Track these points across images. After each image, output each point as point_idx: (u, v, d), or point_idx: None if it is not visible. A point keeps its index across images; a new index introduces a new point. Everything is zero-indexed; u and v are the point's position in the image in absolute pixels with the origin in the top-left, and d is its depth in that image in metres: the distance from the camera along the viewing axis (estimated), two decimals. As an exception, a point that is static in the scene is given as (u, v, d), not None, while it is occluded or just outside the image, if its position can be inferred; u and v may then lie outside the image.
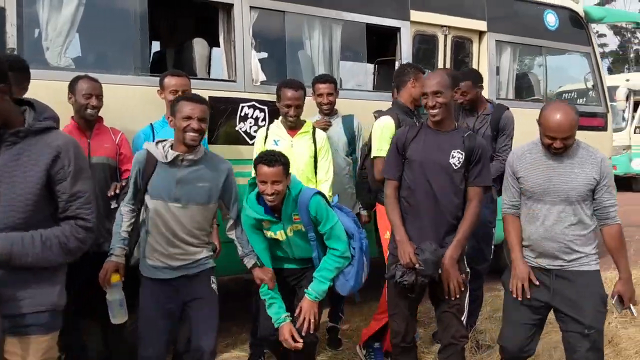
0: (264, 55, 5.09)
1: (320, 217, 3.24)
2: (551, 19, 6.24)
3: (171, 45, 5.73)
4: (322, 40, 4.98)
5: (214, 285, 3.17)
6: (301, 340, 3.18)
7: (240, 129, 4.48)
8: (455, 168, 3.15)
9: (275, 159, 3.08)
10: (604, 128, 6.71)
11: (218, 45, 4.67)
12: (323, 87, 4.24)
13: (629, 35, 41.66)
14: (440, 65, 5.58)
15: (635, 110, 15.66)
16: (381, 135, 3.78)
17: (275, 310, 3.27)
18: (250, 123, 4.51)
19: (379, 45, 5.77)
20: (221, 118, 4.41)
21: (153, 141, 3.14)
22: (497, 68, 5.87)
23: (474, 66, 5.81)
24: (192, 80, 3.88)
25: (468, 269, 3.30)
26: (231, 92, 4.48)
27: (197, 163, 3.01)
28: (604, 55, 35.26)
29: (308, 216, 3.22)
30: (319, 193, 3.33)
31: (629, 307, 2.98)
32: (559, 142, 2.89)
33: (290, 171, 3.19)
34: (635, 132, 15.49)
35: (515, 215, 3.17)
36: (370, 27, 5.17)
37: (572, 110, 2.90)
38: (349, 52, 5.34)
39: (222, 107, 4.42)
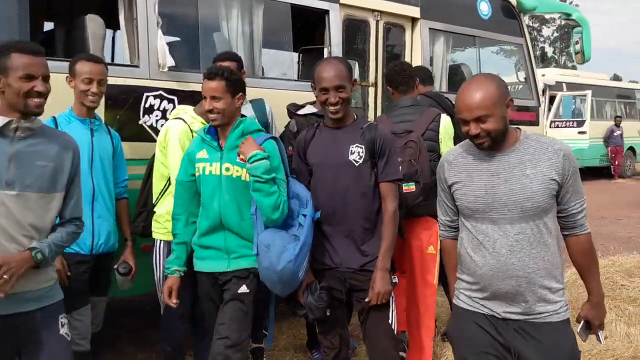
0: (174, 37, 4.41)
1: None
2: (484, 8, 5.91)
3: (63, 23, 4.92)
4: (241, 21, 4.36)
5: (63, 330, 2.33)
6: (176, 301, 2.91)
7: (145, 122, 3.80)
8: (356, 164, 2.80)
9: (216, 72, 2.81)
10: (535, 122, 6.49)
11: (118, 25, 3.96)
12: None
13: (535, 34, 43.39)
14: (372, 54, 5.11)
15: (550, 104, 16.05)
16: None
17: (171, 258, 2.97)
18: (157, 116, 3.83)
19: (306, 31, 5.22)
20: (121, 110, 3.71)
21: None
22: (430, 58, 5.46)
23: (407, 56, 5.38)
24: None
25: (396, 279, 2.97)
26: (133, 80, 3.77)
27: (35, 135, 2.25)
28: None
29: None
30: (277, 140, 2.98)
31: (596, 334, 2.43)
32: (472, 125, 2.13)
33: (246, 98, 3.03)
34: (550, 127, 15.84)
35: (453, 239, 2.44)
36: (296, 10, 4.60)
37: (491, 80, 2.17)
38: (272, 37, 4.75)
39: (123, 97, 3.72)
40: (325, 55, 4.86)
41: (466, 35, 5.82)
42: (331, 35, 4.77)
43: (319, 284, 2.86)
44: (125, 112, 3.72)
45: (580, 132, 16.06)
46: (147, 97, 3.81)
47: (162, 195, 3.25)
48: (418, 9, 5.32)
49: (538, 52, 40.74)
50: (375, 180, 2.83)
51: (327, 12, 4.74)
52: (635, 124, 18.72)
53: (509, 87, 6.71)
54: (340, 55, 4.81)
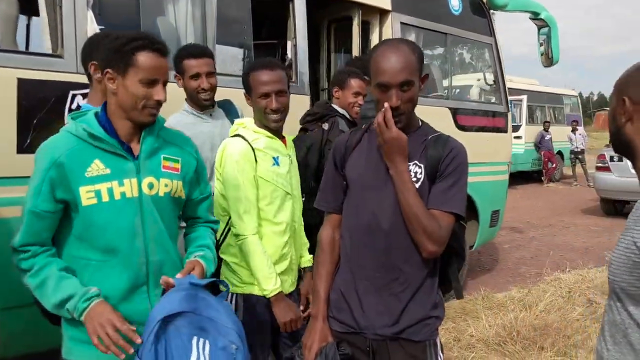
0: (108, 23, 3.56)
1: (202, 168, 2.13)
2: (455, 2, 5.38)
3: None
4: (191, 6, 3.57)
5: None
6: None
7: (71, 129, 2.94)
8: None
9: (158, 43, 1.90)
10: (504, 129, 6.04)
11: (36, 3, 3.09)
12: (198, 64, 2.86)
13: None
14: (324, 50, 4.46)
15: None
16: None
17: (72, 284, 1.81)
18: (87, 120, 2.98)
19: (267, 22, 4.49)
20: (40, 112, 2.86)
21: None
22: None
23: (354, 54, 4.76)
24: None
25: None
26: (56, 74, 2.93)
27: None
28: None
29: None
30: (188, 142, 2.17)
31: None
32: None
33: None
34: (487, 131, 15.78)
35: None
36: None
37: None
38: (228, 26, 3.97)
39: (42, 95, 2.87)
40: (289, 50, 4.15)
41: (438, 32, 5.25)
42: (296, 29, 4.06)
43: (338, 348, 2.01)
44: (45, 115, 2.86)
45: (516, 137, 16.09)
46: (74, 95, 2.96)
47: (224, 238, 2.47)
48: (389, 0, 4.70)
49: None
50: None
51: (291, 1, 4.03)
52: (563, 128, 19.09)
53: (481, 92, 6.34)
54: (306, 50, 4.12)
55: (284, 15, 4.14)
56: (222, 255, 2.50)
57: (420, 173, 1.93)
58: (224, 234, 2.49)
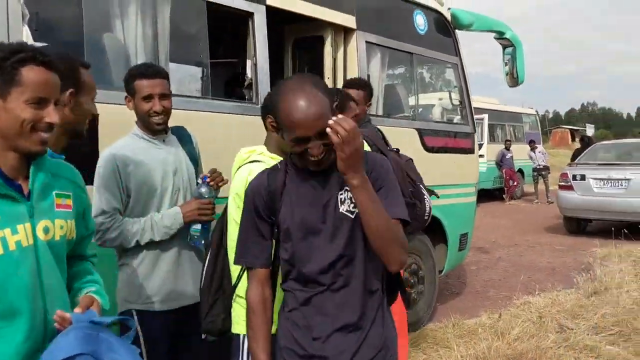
0: (46, 39, 3.26)
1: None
2: (420, 21, 5.24)
3: None
4: (141, 21, 3.30)
5: None
6: None
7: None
8: (352, 216, 1.82)
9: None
10: (471, 150, 5.91)
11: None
12: (151, 85, 2.58)
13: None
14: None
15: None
16: None
17: None
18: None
19: (227, 39, 4.24)
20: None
21: None
22: (367, 77, 4.66)
23: (337, 73, 4.57)
24: None
25: None
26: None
27: None
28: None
29: None
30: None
31: None
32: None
33: None
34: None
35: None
36: (213, 10, 3.61)
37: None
38: (183, 43, 3.71)
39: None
40: (249, 69, 3.91)
41: (403, 52, 5.09)
42: (256, 45, 3.82)
43: None
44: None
45: (479, 156, 16.16)
46: None
47: (244, 271, 2.18)
48: (353, 18, 4.52)
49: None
50: None
51: (251, 15, 3.79)
52: (523, 146, 19.33)
53: (446, 112, 6.22)
54: (267, 69, 3.88)
55: (244, 32, 3.91)
56: (239, 293, 2.23)
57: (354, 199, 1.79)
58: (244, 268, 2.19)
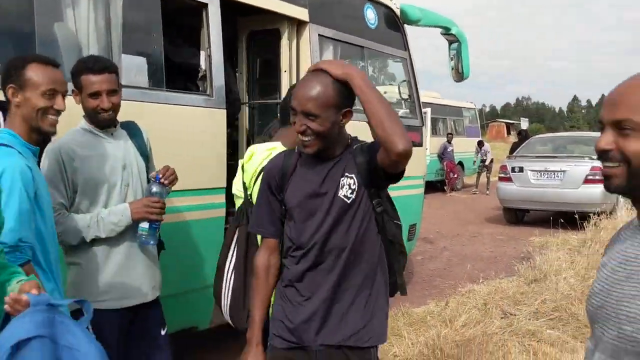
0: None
1: None
2: (371, 16, 5.32)
3: None
4: (94, 11, 3.22)
5: None
6: None
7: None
8: (348, 201, 2.00)
9: None
10: (419, 144, 6.04)
11: None
12: (99, 81, 2.49)
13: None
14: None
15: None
16: None
17: None
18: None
19: (182, 30, 4.18)
20: None
21: None
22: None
23: (290, 67, 4.57)
24: None
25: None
26: None
27: None
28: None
29: None
30: None
31: None
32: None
33: None
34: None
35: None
36: (168, 0, 3.55)
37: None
38: (136, 34, 3.63)
39: None
40: (203, 61, 3.88)
41: (355, 45, 5.15)
42: (210, 38, 3.79)
43: None
44: None
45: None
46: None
47: None
48: (306, 10, 4.54)
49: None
50: (374, 219, 2.05)
51: (204, 6, 3.76)
52: (463, 140, 19.89)
53: (394, 107, 6.31)
54: (221, 61, 3.86)
55: (198, 23, 3.86)
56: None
57: (354, 184, 2.00)
58: None
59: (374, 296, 2.07)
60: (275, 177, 2.08)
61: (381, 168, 1.93)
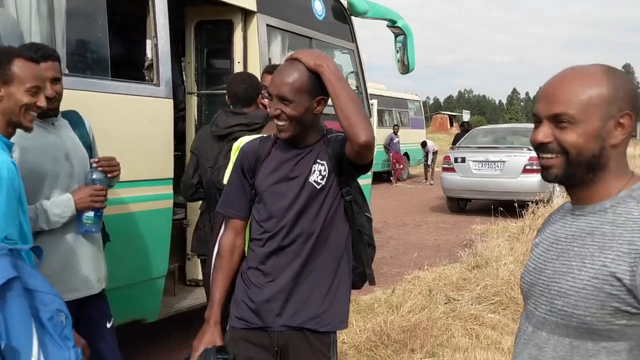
0: None
1: None
2: (319, 7, 5.35)
3: None
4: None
5: None
6: None
7: None
8: (318, 187, 2.06)
9: None
10: (366, 134, 6.12)
11: None
12: (42, 69, 2.44)
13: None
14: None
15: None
16: None
17: None
18: None
19: (127, 18, 4.09)
20: None
21: None
22: (269, 60, 4.70)
23: (236, 58, 4.56)
24: None
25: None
26: None
27: None
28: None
29: None
30: None
31: None
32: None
33: None
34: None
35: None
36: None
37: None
38: (80, 20, 3.54)
39: None
40: (149, 50, 3.82)
41: (303, 36, 5.18)
42: (157, 26, 3.74)
43: (219, 352, 2.01)
44: None
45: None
46: None
47: None
48: (254, 0, 4.53)
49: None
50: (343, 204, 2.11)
51: (150, -8, 3.70)
52: (408, 131, 20.24)
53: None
54: (168, 50, 3.82)
55: (144, 11, 3.80)
56: None
57: (324, 170, 2.06)
58: None
59: (337, 283, 2.11)
60: (249, 160, 2.12)
61: (348, 159, 1.99)
